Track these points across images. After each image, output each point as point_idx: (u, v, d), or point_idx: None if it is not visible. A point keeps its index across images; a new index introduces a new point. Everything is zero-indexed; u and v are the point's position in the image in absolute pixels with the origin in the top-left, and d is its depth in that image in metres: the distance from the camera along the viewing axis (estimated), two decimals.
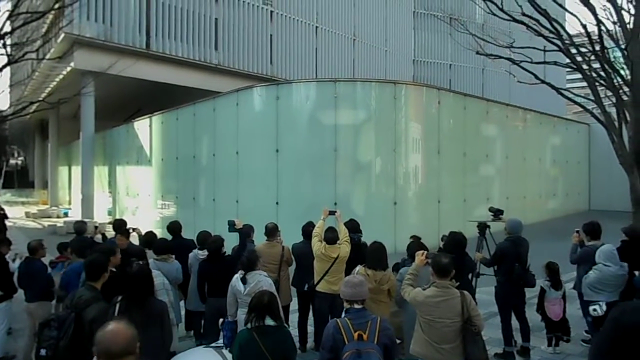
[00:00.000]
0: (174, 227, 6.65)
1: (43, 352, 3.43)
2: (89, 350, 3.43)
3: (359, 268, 4.78)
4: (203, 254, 5.58)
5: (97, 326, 3.46)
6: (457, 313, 3.50)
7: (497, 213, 6.40)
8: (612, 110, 12.04)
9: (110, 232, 7.69)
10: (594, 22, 11.21)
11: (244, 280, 4.37)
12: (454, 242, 5.09)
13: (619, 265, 4.96)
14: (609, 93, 11.97)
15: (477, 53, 14.12)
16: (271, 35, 26.47)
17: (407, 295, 3.78)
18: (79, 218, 17.72)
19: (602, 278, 4.92)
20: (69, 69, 19.92)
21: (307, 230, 5.85)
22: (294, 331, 5.30)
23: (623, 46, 11.16)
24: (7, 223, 14.37)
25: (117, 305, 3.44)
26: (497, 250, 5.71)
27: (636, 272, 5.20)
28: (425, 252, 4.14)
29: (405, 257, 5.15)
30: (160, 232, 9.61)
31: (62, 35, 18.34)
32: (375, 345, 2.97)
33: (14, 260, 6.34)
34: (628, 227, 5.94)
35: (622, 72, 11.89)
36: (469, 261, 5.22)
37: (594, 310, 4.90)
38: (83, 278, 4.64)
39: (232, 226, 5.57)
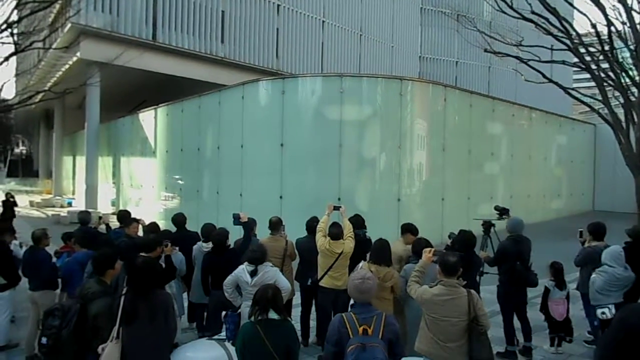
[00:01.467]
0: (178, 220, 6.67)
1: (44, 340, 3.45)
2: (90, 343, 3.46)
3: (362, 264, 4.78)
4: (207, 246, 5.59)
5: (100, 321, 3.48)
6: (464, 312, 3.50)
7: (502, 212, 6.37)
8: (620, 111, 11.98)
9: (114, 223, 7.70)
10: (604, 22, 11.16)
11: (253, 272, 4.40)
12: (464, 240, 5.08)
13: (624, 266, 4.93)
14: (617, 93, 11.92)
15: (485, 50, 14.09)
16: (278, 29, 26.37)
17: (414, 292, 3.78)
18: (82, 208, 17.79)
19: (609, 280, 4.89)
20: (75, 59, 19.92)
21: (311, 225, 5.85)
22: (296, 325, 5.30)
23: (632, 47, 11.10)
24: None
25: (123, 298, 3.44)
26: (498, 250, 5.69)
27: None
28: (433, 249, 4.13)
29: (411, 254, 5.14)
30: (163, 224, 9.63)
31: (69, 25, 18.34)
32: (380, 340, 2.97)
33: (21, 246, 6.40)
34: (632, 229, 5.93)
35: (630, 72, 11.83)
36: (477, 260, 5.20)
37: (603, 313, 4.89)
38: (89, 269, 4.68)
39: (237, 219, 5.58)
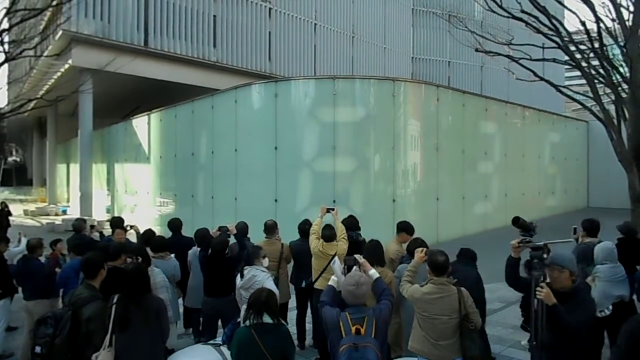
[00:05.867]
0: (174, 224, 6.69)
1: (38, 349, 3.42)
2: (84, 349, 3.44)
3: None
4: None
5: (93, 325, 3.47)
6: (455, 309, 3.51)
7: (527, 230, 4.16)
8: (611, 108, 12.03)
9: (108, 230, 7.68)
10: (593, 19, 11.21)
11: (241, 274, 4.41)
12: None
13: (616, 262, 4.97)
14: (608, 90, 11.97)
15: (476, 50, 14.11)
16: (270, 33, 26.40)
17: (405, 291, 3.79)
18: (77, 216, 17.71)
19: (608, 278, 4.92)
20: (67, 66, 19.86)
21: (303, 228, 5.88)
22: (292, 328, 5.30)
23: (622, 43, 11.15)
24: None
25: (114, 306, 3.43)
26: None
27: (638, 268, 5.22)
28: (425, 249, 4.14)
29: (403, 255, 5.14)
30: (159, 230, 9.60)
31: (60, 32, 18.28)
32: (373, 339, 2.97)
33: (19, 241, 6.40)
34: (623, 225, 5.97)
35: (620, 69, 11.89)
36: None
37: (601, 311, 4.91)
38: (83, 276, 4.66)
39: (225, 233, 5.60)
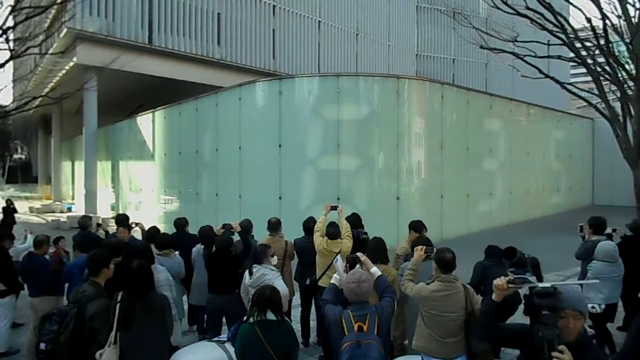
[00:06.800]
0: (178, 223, 6.78)
1: (43, 346, 3.43)
2: (88, 346, 3.46)
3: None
4: None
5: (97, 322, 3.49)
6: (462, 307, 3.50)
7: (522, 265, 3.94)
8: (617, 105, 11.99)
9: (113, 228, 7.70)
10: (599, 15, 11.16)
11: (250, 272, 4.43)
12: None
13: (615, 261, 4.99)
14: (614, 87, 11.91)
15: (481, 47, 14.06)
16: (274, 30, 26.38)
17: (409, 290, 3.77)
18: (82, 213, 17.78)
19: (598, 274, 4.93)
20: (71, 63, 19.91)
21: (308, 225, 5.87)
22: (296, 326, 5.31)
23: (628, 40, 11.09)
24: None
25: (119, 301, 3.45)
26: None
27: None
28: (424, 247, 4.12)
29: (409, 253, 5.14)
30: (163, 227, 9.63)
31: (65, 30, 18.33)
32: (375, 336, 2.97)
33: (25, 238, 6.44)
34: (632, 223, 5.95)
35: (626, 66, 11.82)
36: None
37: (592, 307, 4.94)
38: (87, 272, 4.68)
39: (229, 230, 5.61)
